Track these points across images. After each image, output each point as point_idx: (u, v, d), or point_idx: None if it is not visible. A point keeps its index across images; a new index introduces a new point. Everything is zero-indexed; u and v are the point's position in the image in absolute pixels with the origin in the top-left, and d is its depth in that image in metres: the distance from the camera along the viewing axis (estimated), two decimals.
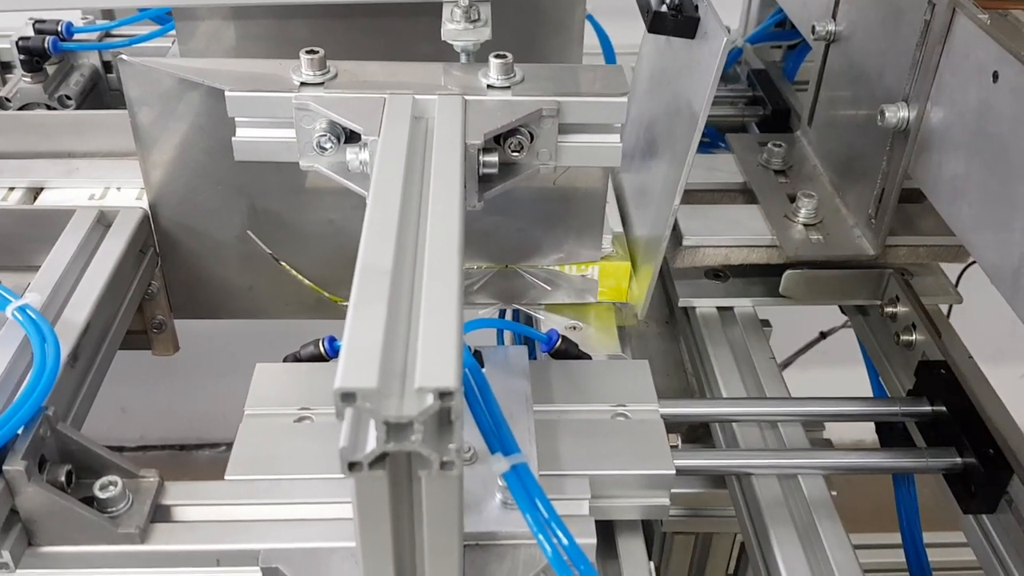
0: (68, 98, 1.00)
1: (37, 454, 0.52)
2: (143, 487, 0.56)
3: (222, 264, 0.80)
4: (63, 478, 0.53)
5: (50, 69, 1.02)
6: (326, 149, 0.64)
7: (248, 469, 0.59)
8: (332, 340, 0.72)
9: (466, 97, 0.64)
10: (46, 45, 0.98)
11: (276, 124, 0.66)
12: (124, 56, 0.68)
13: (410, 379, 0.40)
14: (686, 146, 0.73)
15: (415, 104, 0.63)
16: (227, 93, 0.64)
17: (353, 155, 0.63)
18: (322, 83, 0.65)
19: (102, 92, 1.05)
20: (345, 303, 0.82)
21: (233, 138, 0.66)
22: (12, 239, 0.75)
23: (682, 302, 0.87)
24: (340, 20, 0.79)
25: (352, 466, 0.41)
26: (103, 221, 0.75)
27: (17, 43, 0.98)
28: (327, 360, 0.72)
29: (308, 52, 0.65)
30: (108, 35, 1.06)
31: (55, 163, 0.90)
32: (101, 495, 0.54)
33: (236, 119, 0.66)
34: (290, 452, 0.61)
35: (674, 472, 0.61)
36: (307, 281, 0.80)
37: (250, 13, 0.80)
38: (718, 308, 0.88)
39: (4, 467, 0.50)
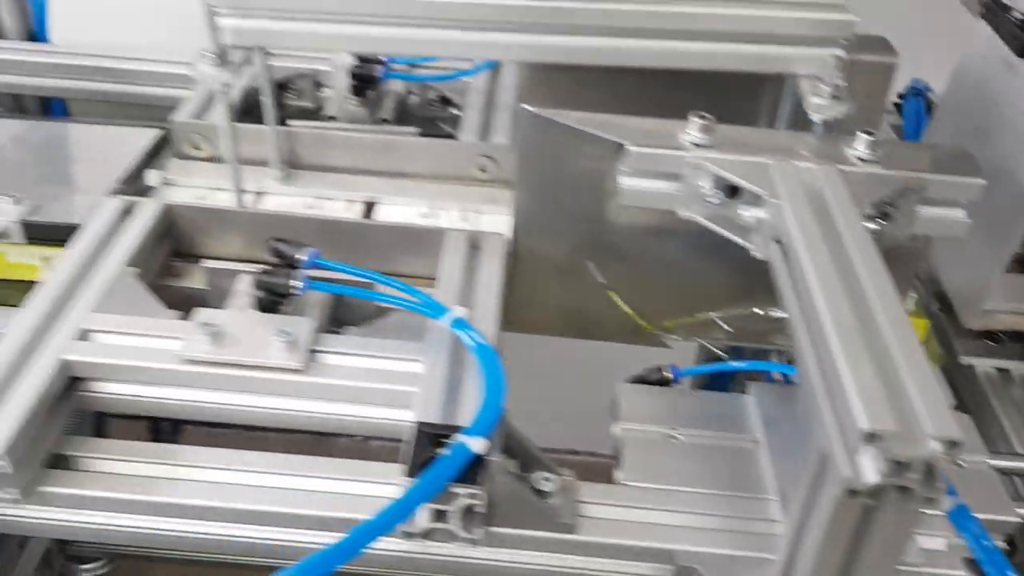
0: (386, 120, 1.12)
1: (504, 447, 0.62)
2: (566, 484, 0.65)
3: (559, 287, 0.89)
4: (516, 470, 0.63)
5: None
6: (714, 203, 0.73)
7: (641, 476, 0.68)
8: (675, 368, 0.81)
9: (841, 167, 0.72)
10: (377, 75, 1.10)
11: (660, 176, 0.75)
12: (525, 106, 0.79)
13: (916, 425, 0.48)
14: (1012, 219, 0.79)
15: (797, 170, 0.71)
16: (628, 147, 0.74)
17: (744, 211, 0.71)
18: (712, 145, 0.74)
19: (406, 117, 1.17)
20: (656, 332, 0.90)
21: (619, 185, 0.76)
22: (393, 250, 0.87)
23: (963, 359, 0.93)
24: (666, 76, 0.87)
25: (852, 493, 0.49)
26: (472, 243, 0.85)
27: (352, 70, 1.10)
28: (669, 385, 0.81)
29: (699, 116, 0.74)
30: (415, 67, 1.18)
31: (386, 181, 1.01)
32: (543, 487, 0.63)
33: (620, 167, 0.76)
34: (671, 465, 0.69)
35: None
36: (630, 311, 0.89)
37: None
38: (997, 368, 0.93)
39: (488, 457, 0.59)
